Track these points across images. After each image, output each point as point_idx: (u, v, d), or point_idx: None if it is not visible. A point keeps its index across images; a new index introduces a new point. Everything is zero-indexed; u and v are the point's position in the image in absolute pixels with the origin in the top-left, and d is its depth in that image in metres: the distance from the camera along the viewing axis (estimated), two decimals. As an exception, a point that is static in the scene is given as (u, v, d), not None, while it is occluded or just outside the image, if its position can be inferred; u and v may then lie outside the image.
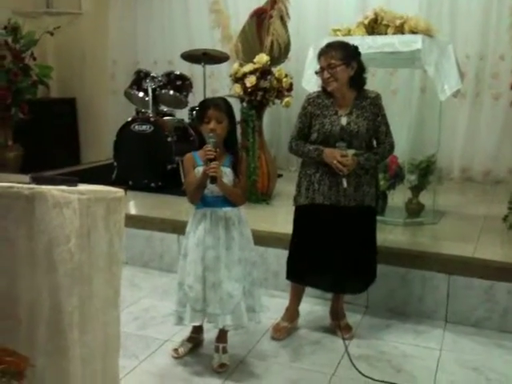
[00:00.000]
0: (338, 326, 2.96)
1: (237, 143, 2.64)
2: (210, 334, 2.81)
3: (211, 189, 2.48)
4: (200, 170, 2.47)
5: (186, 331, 2.81)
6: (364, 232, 2.82)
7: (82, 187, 1.55)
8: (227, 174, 2.49)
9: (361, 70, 2.73)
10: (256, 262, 2.65)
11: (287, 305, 3.04)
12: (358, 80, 2.73)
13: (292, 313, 3.03)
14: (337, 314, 3.01)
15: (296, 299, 3.03)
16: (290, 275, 2.95)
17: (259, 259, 2.73)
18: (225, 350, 2.66)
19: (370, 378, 2.52)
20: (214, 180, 2.40)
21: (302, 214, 2.85)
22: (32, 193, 1.35)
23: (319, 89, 2.82)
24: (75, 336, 1.46)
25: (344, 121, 2.70)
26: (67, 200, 1.41)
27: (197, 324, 2.60)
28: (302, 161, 2.88)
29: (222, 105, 2.49)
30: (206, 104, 2.52)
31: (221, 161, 2.45)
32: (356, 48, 2.74)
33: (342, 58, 2.64)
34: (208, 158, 2.38)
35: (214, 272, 2.49)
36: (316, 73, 2.76)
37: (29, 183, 1.45)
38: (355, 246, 2.76)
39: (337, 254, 2.74)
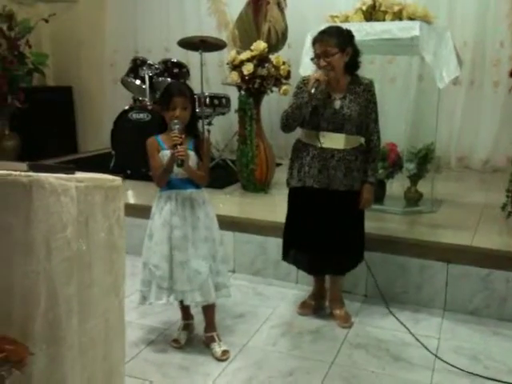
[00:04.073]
0: (336, 314, 2.99)
1: (197, 126, 2.71)
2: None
3: (176, 171, 2.52)
4: (165, 153, 2.52)
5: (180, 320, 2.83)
6: (352, 216, 2.84)
7: (80, 175, 1.53)
8: (191, 157, 2.53)
9: (355, 54, 2.73)
10: (222, 240, 2.69)
11: (313, 283, 3.14)
12: (352, 65, 2.73)
13: (316, 291, 3.11)
14: (336, 302, 3.03)
15: (317, 278, 3.10)
16: (284, 256, 3.01)
17: (223, 238, 2.76)
18: (219, 337, 2.69)
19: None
20: (181, 164, 2.43)
21: (294, 196, 2.89)
22: (29, 180, 1.33)
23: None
24: (73, 324, 1.45)
25: (337, 104, 2.72)
26: (65, 187, 1.39)
27: (162, 302, 2.61)
28: (293, 145, 2.90)
29: (186, 92, 2.54)
30: (170, 91, 2.53)
31: (185, 145, 2.48)
32: (350, 32, 2.74)
33: (337, 44, 2.63)
34: (175, 143, 2.41)
35: (182, 251, 2.54)
36: (312, 59, 2.74)
37: (26, 171, 1.43)
38: (343, 229, 2.80)
39: (323, 236, 2.79)
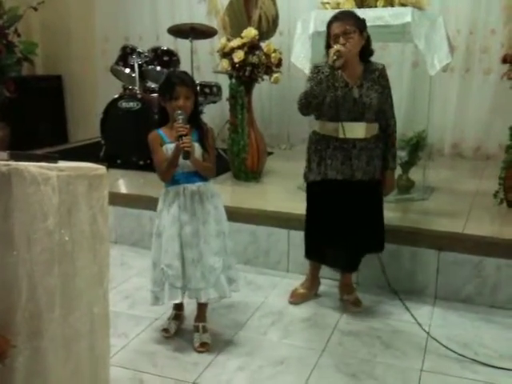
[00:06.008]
0: (347, 299, 3.01)
1: (200, 117, 2.62)
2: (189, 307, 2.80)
3: (182, 165, 2.45)
4: (169, 147, 2.45)
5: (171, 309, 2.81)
6: (374, 205, 2.83)
7: (62, 164, 1.50)
8: (196, 149, 2.47)
9: (369, 41, 2.71)
10: (229, 233, 2.64)
11: (308, 272, 3.10)
12: (367, 51, 2.70)
13: (310, 280, 3.09)
14: (347, 288, 3.05)
15: (313, 268, 3.07)
16: (309, 254, 2.97)
17: (231, 230, 2.71)
18: (205, 329, 2.65)
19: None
20: (187, 155, 2.37)
21: (314, 191, 2.85)
22: (8, 169, 1.30)
23: (310, 64, 2.78)
24: (56, 316, 1.43)
25: (356, 93, 2.67)
26: (45, 177, 1.37)
27: (177, 301, 2.59)
28: (309, 137, 2.84)
29: (188, 81, 2.48)
30: (172, 81, 2.45)
31: (190, 136, 2.41)
32: (364, 20, 2.70)
33: (355, 24, 2.61)
34: (180, 134, 2.34)
35: (193, 248, 2.49)
36: (327, 47, 2.67)
37: (6, 160, 1.40)
38: (368, 220, 2.78)
39: (351, 230, 2.76)
